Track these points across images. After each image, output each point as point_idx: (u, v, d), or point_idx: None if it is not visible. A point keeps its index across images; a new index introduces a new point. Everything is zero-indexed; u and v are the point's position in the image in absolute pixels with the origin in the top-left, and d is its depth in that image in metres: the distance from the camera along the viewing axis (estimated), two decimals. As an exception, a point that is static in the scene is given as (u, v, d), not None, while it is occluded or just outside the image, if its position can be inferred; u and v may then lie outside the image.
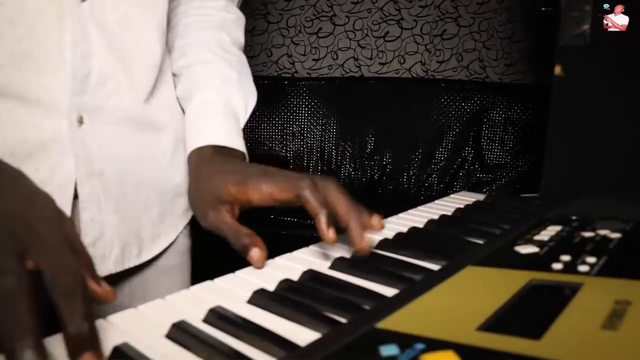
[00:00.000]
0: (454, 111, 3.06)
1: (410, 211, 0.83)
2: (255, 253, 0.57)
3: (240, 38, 0.89)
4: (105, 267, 0.73)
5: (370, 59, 3.28)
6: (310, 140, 3.19)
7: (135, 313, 0.47)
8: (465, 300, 0.43)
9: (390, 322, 0.39)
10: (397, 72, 3.26)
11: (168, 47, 0.84)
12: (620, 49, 0.98)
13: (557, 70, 0.99)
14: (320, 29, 3.31)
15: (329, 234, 0.57)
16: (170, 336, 0.42)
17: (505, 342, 0.34)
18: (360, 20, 3.26)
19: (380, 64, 3.27)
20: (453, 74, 3.20)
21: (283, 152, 3.21)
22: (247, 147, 0.78)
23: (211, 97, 0.78)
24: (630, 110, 0.99)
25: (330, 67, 3.32)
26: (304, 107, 3.17)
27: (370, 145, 3.15)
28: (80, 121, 0.67)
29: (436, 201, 0.90)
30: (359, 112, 3.15)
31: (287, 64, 3.37)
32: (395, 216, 0.80)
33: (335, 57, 3.31)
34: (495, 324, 0.37)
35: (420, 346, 0.34)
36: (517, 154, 2.99)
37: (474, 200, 0.91)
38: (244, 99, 0.82)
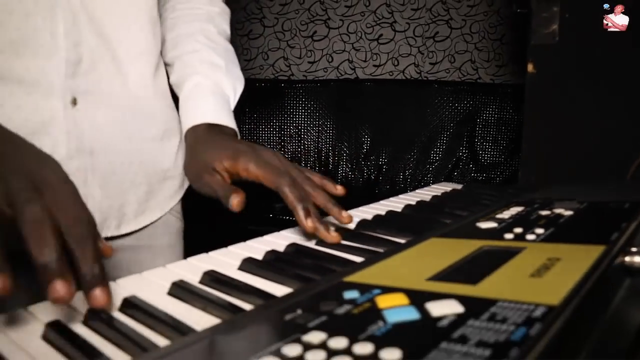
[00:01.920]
0: (447, 111, 3.13)
1: (391, 198, 0.90)
2: (234, 198, 0.64)
3: (227, 29, 0.97)
4: (107, 231, 0.81)
5: (365, 61, 3.35)
6: (307, 141, 3.26)
7: (139, 277, 0.54)
8: (423, 261, 0.50)
9: (355, 277, 0.46)
10: (391, 74, 3.33)
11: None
12: (586, 46, 1.05)
13: (530, 67, 1.06)
14: (315, 32, 3.38)
15: (308, 223, 0.63)
16: (171, 293, 0.49)
17: (446, 287, 0.41)
18: (354, 24, 3.33)
19: (375, 66, 3.34)
20: (446, 75, 3.27)
21: (281, 154, 3.26)
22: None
23: (201, 81, 0.86)
24: (596, 103, 1.05)
25: (325, 70, 3.39)
26: (301, 109, 3.24)
27: (366, 146, 3.21)
28: (74, 102, 0.73)
29: (417, 190, 0.97)
30: (354, 113, 3.23)
31: (283, 66, 3.44)
32: (377, 202, 0.87)
33: (330, 60, 3.38)
34: (443, 276, 0.44)
35: (376, 291, 0.41)
36: (511, 153, 3.05)
37: (451, 189, 0.98)
38: (232, 83, 0.90)
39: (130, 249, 0.86)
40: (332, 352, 0.31)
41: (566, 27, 1.02)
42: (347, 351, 0.31)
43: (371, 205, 0.85)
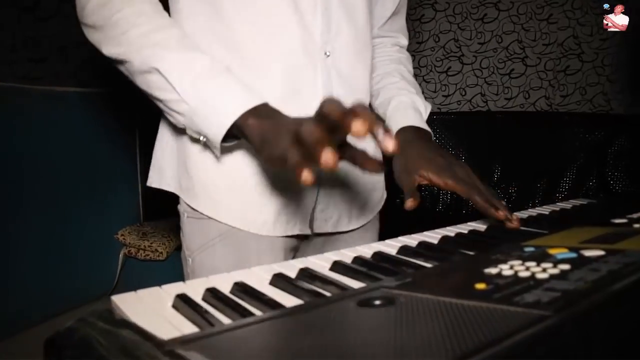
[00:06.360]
0: (577, 142, 3.23)
1: (540, 207, 1.13)
2: (410, 202, 0.94)
3: (412, 70, 1.29)
4: (325, 227, 1.10)
5: (497, 94, 3.53)
6: (441, 169, 3.45)
7: (249, 271, 0.80)
8: (572, 236, 0.73)
9: (529, 243, 0.70)
10: (522, 106, 3.49)
11: None
12: None
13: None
14: (450, 67, 3.61)
15: (499, 213, 0.91)
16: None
17: (592, 246, 0.64)
18: (486, 59, 3.53)
19: (506, 99, 3.51)
20: (577, 107, 3.38)
21: (469, 169, 3.46)
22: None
23: (403, 99, 1.17)
24: None
25: (459, 103, 3.61)
26: (436, 140, 3.44)
27: (496, 175, 3.36)
28: None
29: (557, 203, 1.19)
30: (485, 144, 3.40)
31: (418, 100, 3.68)
32: (532, 209, 1.10)
33: (463, 94, 3.59)
34: (588, 240, 0.68)
35: (545, 248, 0.65)
36: (644, 184, 3.09)
37: (587, 202, 1.19)
38: (423, 103, 1.19)
39: (351, 238, 1.15)
40: (527, 267, 0.56)
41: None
42: (537, 265, 0.56)
43: (522, 211, 1.09)
